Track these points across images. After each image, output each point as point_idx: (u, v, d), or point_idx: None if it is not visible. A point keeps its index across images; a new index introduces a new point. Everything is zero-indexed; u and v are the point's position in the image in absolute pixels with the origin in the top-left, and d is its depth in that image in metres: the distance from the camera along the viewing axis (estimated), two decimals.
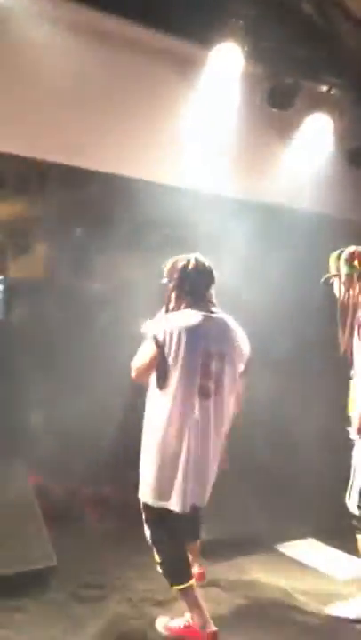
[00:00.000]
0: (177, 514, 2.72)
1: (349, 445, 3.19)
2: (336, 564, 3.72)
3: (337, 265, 3.20)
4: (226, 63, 4.01)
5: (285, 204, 4.71)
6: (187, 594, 2.78)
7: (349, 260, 3.17)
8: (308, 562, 3.74)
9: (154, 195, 4.05)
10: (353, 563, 3.70)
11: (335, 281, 3.22)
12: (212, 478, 2.84)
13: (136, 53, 3.95)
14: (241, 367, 2.89)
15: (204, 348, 2.72)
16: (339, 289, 3.21)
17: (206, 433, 2.74)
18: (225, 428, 2.86)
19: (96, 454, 4.00)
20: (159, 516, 2.77)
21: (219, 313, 2.84)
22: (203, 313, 2.76)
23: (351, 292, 3.15)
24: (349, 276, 3.16)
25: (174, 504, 2.71)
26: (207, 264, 2.84)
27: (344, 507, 3.90)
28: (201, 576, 3.15)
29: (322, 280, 3.26)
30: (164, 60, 4.05)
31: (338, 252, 3.24)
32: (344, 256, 3.18)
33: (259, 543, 3.87)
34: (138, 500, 2.87)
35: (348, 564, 3.70)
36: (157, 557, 2.83)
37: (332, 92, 4.53)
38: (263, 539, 3.93)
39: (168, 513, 2.74)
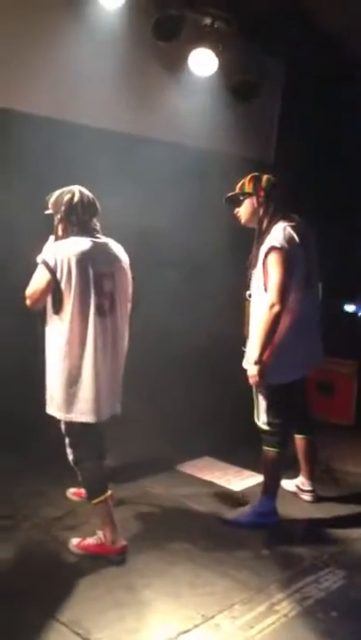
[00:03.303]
0: (91, 425, 2.92)
1: (242, 369, 3.43)
2: (231, 477, 4.04)
3: (256, 186, 3.39)
4: None
5: (172, 138, 4.74)
6: (103, 507, 2.97)
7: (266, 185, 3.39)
8: (206, 477, 4.03)
9: (38, 129, 3.95)
10: (245, 475, 4.06)
11: (247, 201, 3.40)
12: (119, 388, 3.08)
13: None
14: (130, 289, 3.09)
15: (95, 269, 2.86)
16: (254, 210, 3.40)
17: (108, 347, 2.95)
18: (125, 342, 3.08)
19: None
20: (79, 433, 2.95)
21: (104, 239, 2.99)
22: (90, 239, 2.90)
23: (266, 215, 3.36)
24: (265, 199, 3.37)
25: (87, 415, 2.90)
26: (91, 196, 2.97)
27: (234, 426, 4.22)
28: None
29: (226, 197, 3.48)
30: None
31: (257, 174, 3.43)
32: (268, 183, 3.39)
33: (160, 464, 4.13)
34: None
35: (241, 476, 4.05)
36: (80, 476, 3.01)
37: (216, 26, 4.57)
38: (164, 460, 4.19)
39: (84, 426, 2.92)
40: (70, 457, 3.02)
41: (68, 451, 3.01)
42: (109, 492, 2.99)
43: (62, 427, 3.01)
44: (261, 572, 2.96)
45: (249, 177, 3.44)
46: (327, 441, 4.28)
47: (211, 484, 3.95)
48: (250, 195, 3.40)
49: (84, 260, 2.83)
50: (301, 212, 3.48)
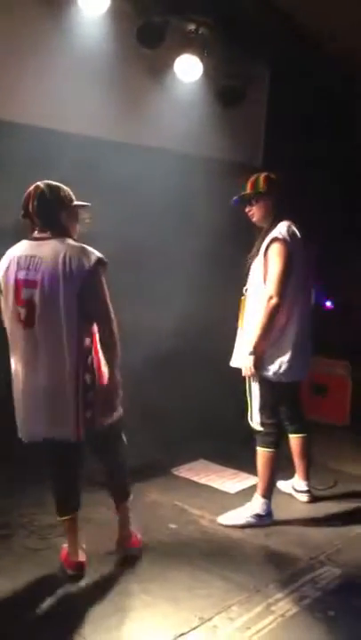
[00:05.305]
0: (43, 444, 2.80)
1: (236, 370, 3.43)
2: (226, 480, 4.05)
3: (259, 186, 3.42)
4: None
5: (157, 144, 4.73)
6: (65, 524, 2.93)
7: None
8: (202, 480, 4.05)
9: (20, 136, 3.93)
10: (241, 477, 4.07)
11: (262, 201, 3.42)
12: (57, 410, 2.67)
13: None
14: (71, 295, 2.58)
15: (17, 275, 2.64)
16: (268, 210, 3.42)
17: (33, 362, 2.66)
18: (59, 358, 2.63)
19: None
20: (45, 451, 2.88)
21: (50, 240, 2.64)
22: (31, 241, 2.68)
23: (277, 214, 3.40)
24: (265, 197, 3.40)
25: (20, 433, 2.82)
26: (52, 190, 2.66)
27: (230, 428, 4.22)
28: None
29: (240, 195, 3.46)
30: None
31: (272, 174, 3.46)
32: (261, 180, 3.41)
33: (155, 468, 4.13)
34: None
35: (237, 478, 4.06)
36: None
37: (200, 31, 4.60)
38: (159, 464, 4.20)
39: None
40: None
41: None
42: (70, 516, 2.89)
43: None
44: (258, 573, 2.97)
45: (263, 176, 3.43)
46: (322, 441, 4.30)
47: (206, 486, 3.96)
48: (265, 194, 3.41)
49: (9, 264, 2.68)
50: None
